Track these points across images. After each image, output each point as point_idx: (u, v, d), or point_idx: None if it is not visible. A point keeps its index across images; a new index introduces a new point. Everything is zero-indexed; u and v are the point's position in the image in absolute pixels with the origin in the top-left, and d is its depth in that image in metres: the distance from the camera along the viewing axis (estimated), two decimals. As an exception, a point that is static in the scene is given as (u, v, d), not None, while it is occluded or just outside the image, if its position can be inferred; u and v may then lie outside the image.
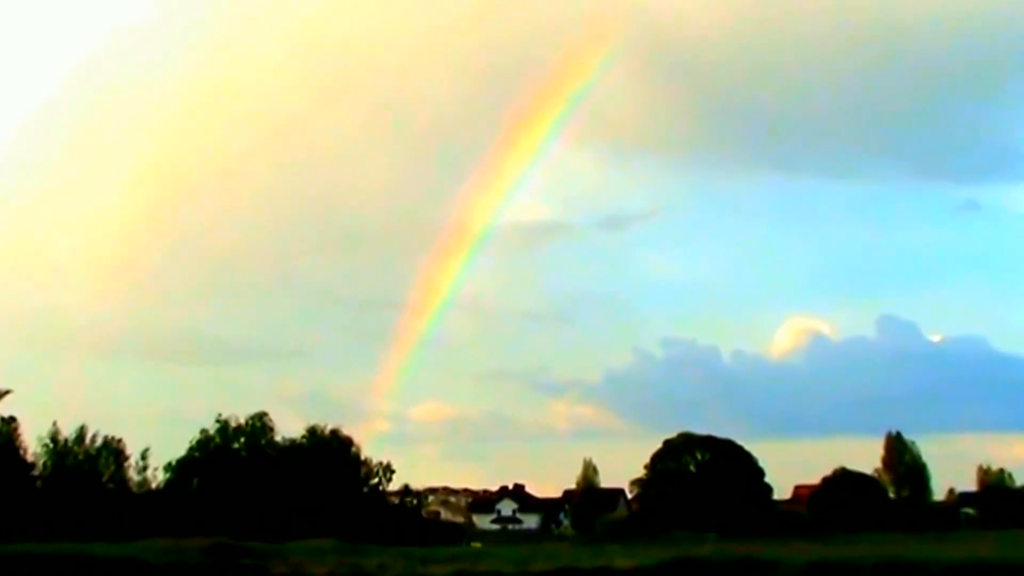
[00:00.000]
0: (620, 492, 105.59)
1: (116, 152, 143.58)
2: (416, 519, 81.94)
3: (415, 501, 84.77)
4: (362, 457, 79.28)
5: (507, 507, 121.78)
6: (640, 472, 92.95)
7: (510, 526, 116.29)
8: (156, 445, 76.01)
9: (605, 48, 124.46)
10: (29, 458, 72.24)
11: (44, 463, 72.86)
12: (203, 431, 75.33)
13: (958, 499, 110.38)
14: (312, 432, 78.32)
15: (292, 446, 76.99)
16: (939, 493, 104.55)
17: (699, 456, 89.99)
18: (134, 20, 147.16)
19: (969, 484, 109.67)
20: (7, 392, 70.40)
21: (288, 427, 79.54)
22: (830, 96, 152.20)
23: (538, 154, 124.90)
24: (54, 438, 73.16)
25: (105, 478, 74.08)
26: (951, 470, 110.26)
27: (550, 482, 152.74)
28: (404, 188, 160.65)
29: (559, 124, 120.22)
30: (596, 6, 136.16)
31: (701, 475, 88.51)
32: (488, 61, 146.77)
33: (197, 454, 74.29)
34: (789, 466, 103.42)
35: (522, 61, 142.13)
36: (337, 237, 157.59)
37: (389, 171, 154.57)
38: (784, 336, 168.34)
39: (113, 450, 74.94)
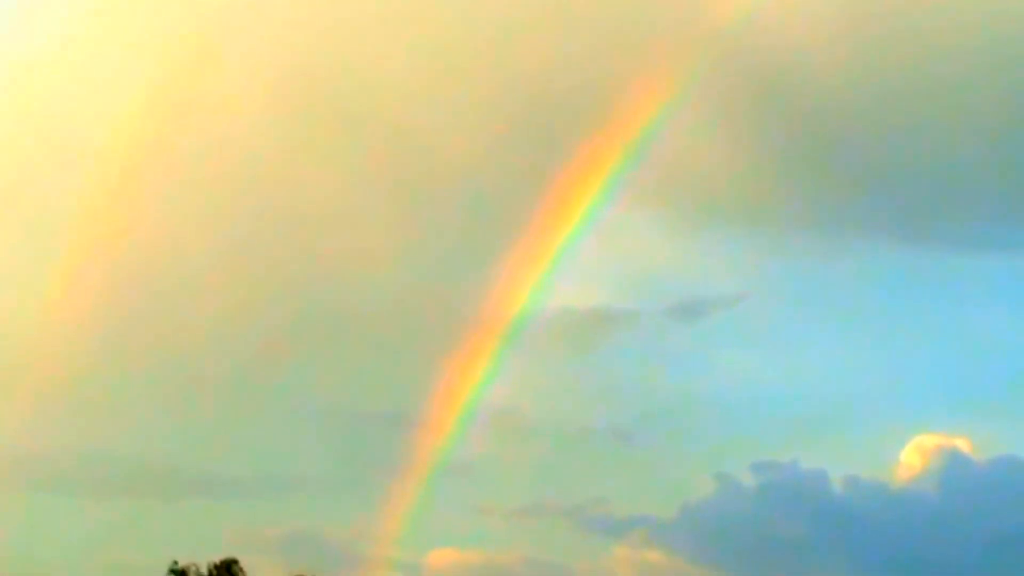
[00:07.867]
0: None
1: (34, 216, 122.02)
2: None
3: None
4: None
5: None
6: (725, 635, 77.45)
7: None
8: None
9: (677, 81, 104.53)
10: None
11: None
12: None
13: None
14: (295, 585, 72.69)
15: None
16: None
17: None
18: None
19: None
20: None
21: (264, 579, 75.89)
22: (977, 146, 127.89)
23: (589, 220, 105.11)
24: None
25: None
26: None
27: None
28: (414, 264, 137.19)
29: (616, 180, 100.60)
30: (666, 26, 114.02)
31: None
32: (523, 97, 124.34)
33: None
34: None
35: (567, 97, 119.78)
36: (326, 331, 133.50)
37: (394, 241, 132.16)
38: (911, 457, 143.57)
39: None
